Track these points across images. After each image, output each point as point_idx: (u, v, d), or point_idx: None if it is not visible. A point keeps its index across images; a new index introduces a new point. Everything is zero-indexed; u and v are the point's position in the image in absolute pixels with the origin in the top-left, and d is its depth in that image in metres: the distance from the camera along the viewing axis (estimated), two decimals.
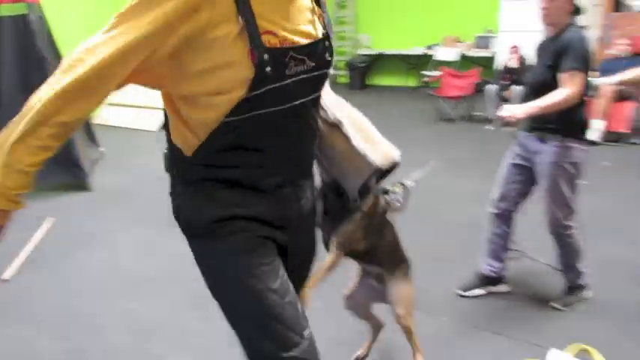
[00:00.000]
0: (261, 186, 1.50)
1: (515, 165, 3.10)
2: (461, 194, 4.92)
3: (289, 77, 1.39)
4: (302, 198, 1.61)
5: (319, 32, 1.49)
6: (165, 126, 1.54)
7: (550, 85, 2.77)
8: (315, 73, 1.47)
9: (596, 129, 6.63)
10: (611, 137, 6.68)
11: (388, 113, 8.73)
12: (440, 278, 3.42)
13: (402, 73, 11.97)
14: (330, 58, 1.51)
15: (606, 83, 6.69)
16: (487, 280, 3.26)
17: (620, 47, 7.06)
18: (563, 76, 2.75)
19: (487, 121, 7.79)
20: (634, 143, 6.64)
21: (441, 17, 11.16)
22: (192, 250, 1.58)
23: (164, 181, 1.59)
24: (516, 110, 2.70)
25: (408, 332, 2.42)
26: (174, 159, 1.54)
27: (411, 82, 11.69)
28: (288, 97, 1.42)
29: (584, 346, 2.44)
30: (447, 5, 11.10)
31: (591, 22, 9.64)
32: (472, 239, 3.55)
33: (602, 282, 3.30)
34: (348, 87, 12.08)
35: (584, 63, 2.75)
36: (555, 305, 3.13)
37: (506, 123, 2.73)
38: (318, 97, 1.58)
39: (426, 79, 9.37)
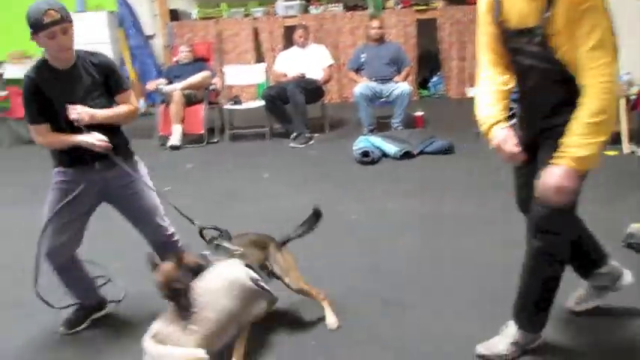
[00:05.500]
0: None
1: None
2: None
3: None
4: None
5: None
6: None
7: None
8: None
9: (175, 133, 7.02)
10: (191, 139, 7.14)
11: None
12: None
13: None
14: None
15: (174, 89, 7.20)
16: None
17: (182, 54, 7.54)
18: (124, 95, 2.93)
19: None
20: (211, 142, 7.21)
21: (4, 30, 10.35)
22: None
23: None
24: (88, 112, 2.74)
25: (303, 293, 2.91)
26: None
27: None
28: None
29: None
30: (8, 18, 10.33)
31: (156, 31, 10.18)
32: None
33: None
34: None
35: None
36: None
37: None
38: None
39: None
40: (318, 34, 9.13)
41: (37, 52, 10.15)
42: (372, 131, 6.64)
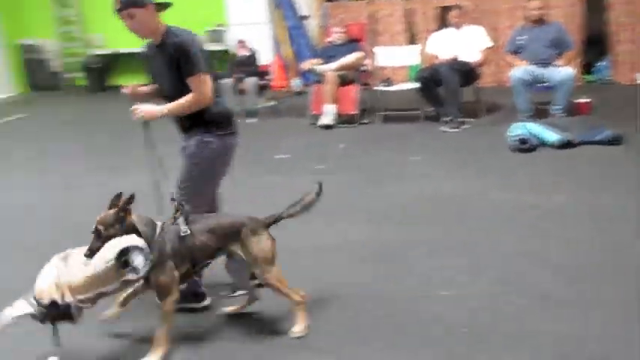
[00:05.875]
0: None
1: None
2: None
3: None
4: None
5: None
6: None
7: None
8: None
9: (328, 113, 7.15)
10: (343, 120, 7.22)
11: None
12: None
13: (143, 72, 11.66)
14: None
15: (328, 69, 7.31)
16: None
17: (336, 35, 7.62)
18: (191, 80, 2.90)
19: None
20: (363, 123, 7.25)
21: (170, 12, 11.05)
22: None
23: None
24: (148, 111, 2.95)
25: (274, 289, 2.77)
26: None
27: None
28: None
29: None
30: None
31: (311, 12, 10.39)
32: None
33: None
34: (86, 90, 11.49)
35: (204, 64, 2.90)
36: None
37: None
38: None
39: None
40: (474, 15, 8.83)
41: (199, 33, 10.78)
42: (529, 117, 6.35)
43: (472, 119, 6.89)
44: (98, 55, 11.71)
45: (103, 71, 11.71)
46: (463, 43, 7.14)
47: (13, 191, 5.44)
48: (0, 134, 8.23)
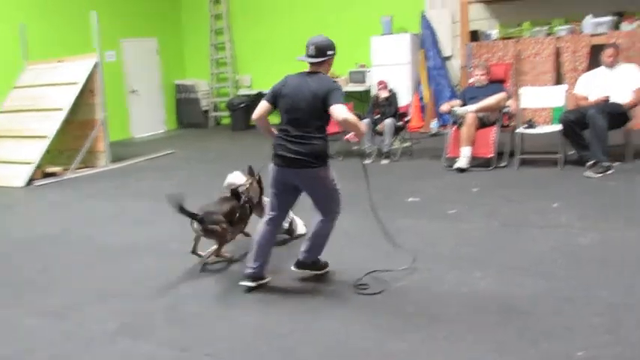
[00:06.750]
0: None
1: None
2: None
3: None
4: None
5: None
6: None
7: None
8: None
9: (464, 156, 6.94)
10: (479, 163, 6.99)
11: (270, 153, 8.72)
12: None
13: None
14: None
15: (468, 111, 7.13)
16: None
17: (477, 77, 7.43)
18: None
19: (365, 155, 7.90)
20: (499, 166, 6.97)
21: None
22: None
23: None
24: None
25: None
26: None
27: None
28: None
29: None
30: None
31: (454, 53, 10.29)
32: None
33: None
34: (230, 128, 12.10)
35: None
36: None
37: None
38: None
39: None
40: (628, 54, 8.27)
41: (342, 73, 11.02)
42: None
43: (619, 163, 6.39)
44: (243, 95, 12.35)
45: (247, 110, 12.30)
46: (616, 84, 6.67)
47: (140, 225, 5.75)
48: (150, 168, 8.81)
